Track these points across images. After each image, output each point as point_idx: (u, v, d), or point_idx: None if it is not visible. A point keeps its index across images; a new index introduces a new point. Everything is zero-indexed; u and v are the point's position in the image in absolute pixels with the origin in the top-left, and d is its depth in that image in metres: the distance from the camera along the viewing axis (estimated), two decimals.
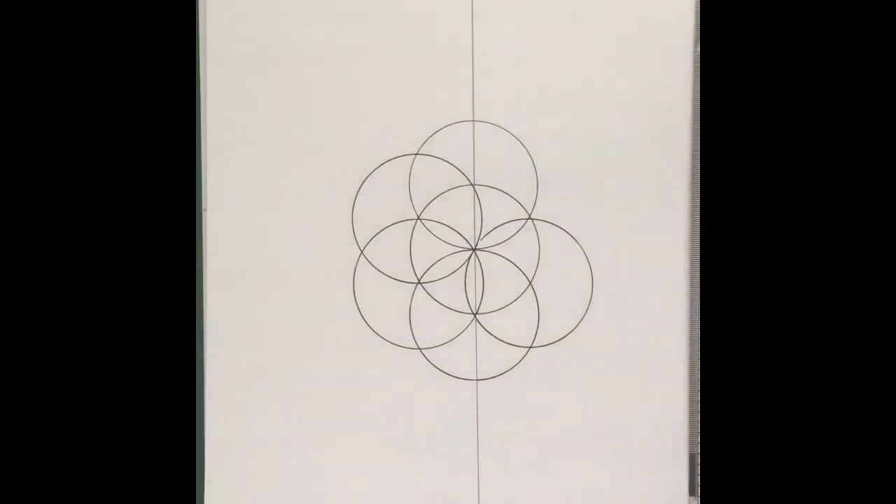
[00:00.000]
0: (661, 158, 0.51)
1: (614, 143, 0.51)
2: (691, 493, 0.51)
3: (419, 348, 0.51)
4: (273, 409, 0.51)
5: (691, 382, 0.51)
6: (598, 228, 0.51)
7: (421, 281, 0.51)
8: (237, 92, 0.51)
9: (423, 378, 0.51)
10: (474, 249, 0.51)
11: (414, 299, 0.51)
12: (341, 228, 0.51)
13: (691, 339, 0.51)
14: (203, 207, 0.51)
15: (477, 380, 0.51)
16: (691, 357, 0.51)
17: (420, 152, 0.51)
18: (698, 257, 0.50)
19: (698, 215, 0.50)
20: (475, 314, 0.51)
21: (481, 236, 0.51)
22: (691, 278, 0.51)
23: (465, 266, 0.51)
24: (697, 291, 0.50)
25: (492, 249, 0.51)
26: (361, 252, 0.51)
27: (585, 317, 0.51)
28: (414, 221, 0.51)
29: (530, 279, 0.51)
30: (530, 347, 0.51)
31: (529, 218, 0.51)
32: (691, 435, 0.51)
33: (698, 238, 0.50)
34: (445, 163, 0.51)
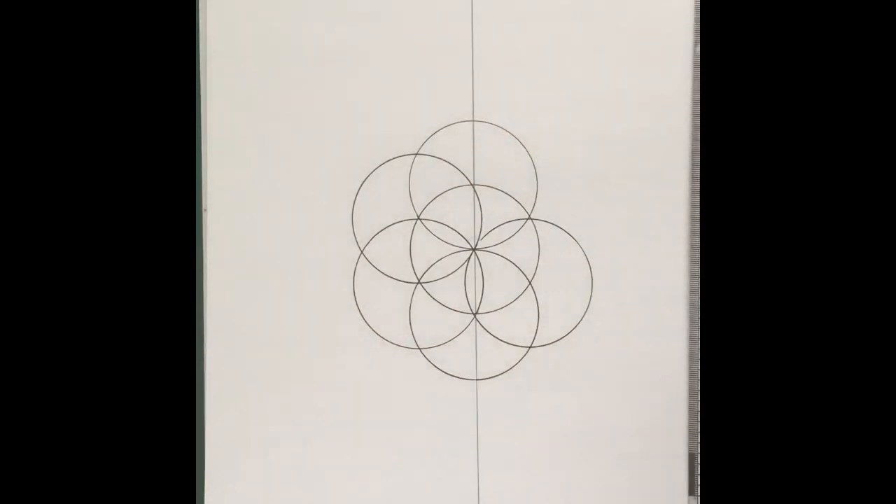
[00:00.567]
0: (661, 158, 0.51)
1: (614, 143, 0.51)
2: (691, 493, 0.51)
3: (419, 348, 0.51)
4: (273, 409, 0.51)
5: (691, 382, 0.51)
6: (598, 228, 0.51)
7: (421, 281, 0.51)
8: (237, 92, 0.51)
9: (423, 378, 0.51)
10: (474, 249, 0.51)
11: (414, 299, 0.51)
12: (341, 228, 0.51)
13: (691, 339, 0.51)
14: (203, 207, 0.51)
15: (477, 380, 0.51)
16: (691, 357, 0.51)
17: (420, 152, 0.51)
18: (698, 257, 0.50)
19: (698, 215, 0.50)
20: (475, 314, 0.51)
21: (481, 236, 0.51)
22: (691, 278, 0.51)
23: (464, 266, 0.51)
24: (697, 291, 0.50)
25: (492, 249, 0.51)
26: (361, 252, 0.51)
27: (585, 317, 0.51)
28: (414, 221, 0.51)
29: (530, 279, 0.51)
30: (530, 347, 0.51)
31: (529, 218, 0.51)
32: (691, 435, 0.51)
33: (698, 238, 0.50)
34: (445, 163, 0.51)
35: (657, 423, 0.51)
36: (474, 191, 0.51)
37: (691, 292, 0.51)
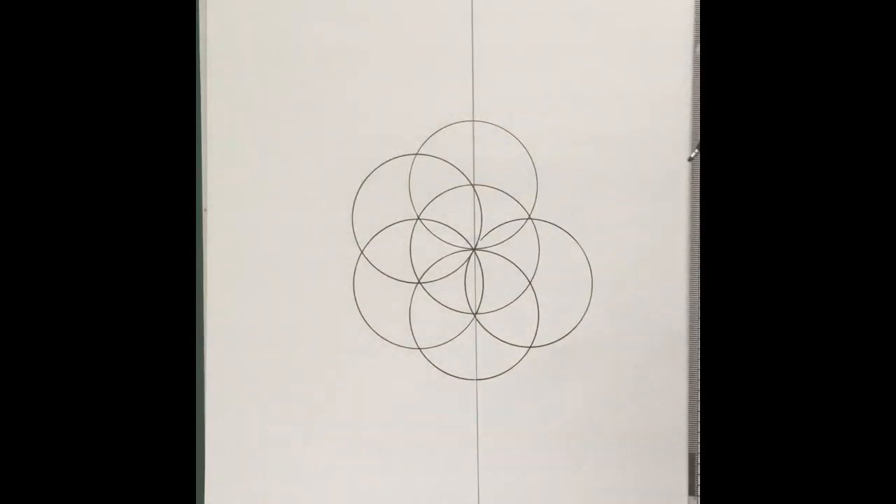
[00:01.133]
0: (662, 158, 0.51)
1: (614, 142, 0.51)
2: (691, 492, 0.51)
3: (419, 348, 0.51)
4: (273, 409, 0.51)
5: (691, 382, 0.51)
6: (598, 228, 0.51)
7: (421, 281, 0.51)
8: (237, 92, 0.51)
9: (423, 378, 0.51)
10: (474, 249, 0.51)
11: (414, 299, 0.51)
12: (341, 228, 0.51)
13: (691, 339, 0.51)
14: (203, 207, 0.51)
15: (477, 380, 0.51)
16: (691, 357, 0.51)
17: (420, 152, 0.51)
18: (698, 257, 0.50)
19: (698, 215, 0.50)
20: (475, 314, 0.51)
21: (481, 236, 0.51)
22: (691, 278, 0.51)
23: (464, 266, 0.51)
24: (697, 291, 0.50)
25: (492, 249, 0.51)
26: (361, 252, 0.51)
27: (585, 317, 0.51)
28: (414, 221, 0.51)
29: (530, 279, 0.51)
30: (530, 347, 0.51)
31: (529, 218, 0.51)
32: (691, 435, 0.51)
33: (698, 238, 0.50)
34: (445, 163, 0.51)
35: (657, 423, 0.51)
36: (474, 191, 0.51)
37: (691, 292, 0.51)
